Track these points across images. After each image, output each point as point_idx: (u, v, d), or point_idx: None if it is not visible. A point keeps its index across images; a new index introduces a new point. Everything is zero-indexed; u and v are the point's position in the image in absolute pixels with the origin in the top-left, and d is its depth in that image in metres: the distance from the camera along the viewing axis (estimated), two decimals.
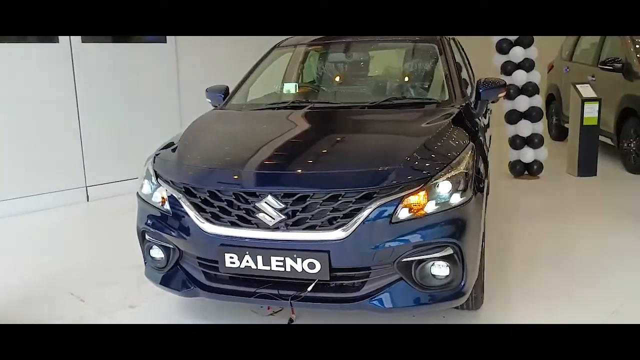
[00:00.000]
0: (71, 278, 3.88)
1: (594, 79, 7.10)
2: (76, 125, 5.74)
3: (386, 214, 2.58)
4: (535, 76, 6.18)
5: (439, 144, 2.89)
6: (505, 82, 3.70)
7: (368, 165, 2.72)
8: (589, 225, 4.73)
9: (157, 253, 3.07)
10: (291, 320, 3.11)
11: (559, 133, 8.37)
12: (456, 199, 2.67)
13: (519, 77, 6.12)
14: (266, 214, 2.67)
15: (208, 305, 3.34)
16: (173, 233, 2.90)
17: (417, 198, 2.62)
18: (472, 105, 3.60)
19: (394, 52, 4.18)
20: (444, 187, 2.66)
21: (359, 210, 2.58)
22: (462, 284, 2.72)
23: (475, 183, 2.81)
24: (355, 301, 2.69)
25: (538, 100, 6.24)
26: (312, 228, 2.64)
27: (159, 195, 3.00)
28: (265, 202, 2.67)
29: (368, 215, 2.57)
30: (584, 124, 6.20)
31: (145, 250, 3.13)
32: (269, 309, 3.29)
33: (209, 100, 4.08)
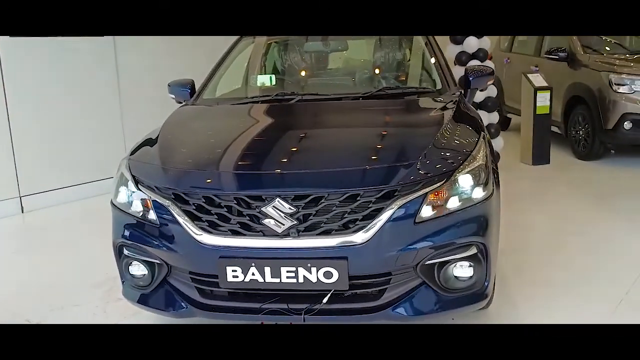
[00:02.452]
0: (22, 302, 3.40)
1: (537, 68, 7.21)
2: (6, 127, 5.10)
3: (409, 213, 2.35)
4: (490, 66, 6.14)
5: (455, 135, 2.70)
6: (493, 70, 3.58)
7: (385, 161, 2.49)
8: (562, 211, 4.73)
9: (138, 270, 2.69)
10: None
11: (502, 123, 8.47)
12: (479, 193, 2.49)
13: None
14: (274, 219, 2.37)
15: (191, 322, 2.98)
16: (159, 246, 2.53)
17: (440, 194, 2.41)
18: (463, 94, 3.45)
19: (381, 40, 3.93)
20: (465, 181, 2.47)
21: (380, 210, 2.34)
22: (486, 284, 2.55)
23: (493, 175, 2.64)
24: (377, 311, 2.45)
25: (493, 91, 6.23)
26: (327, 233, 2.37)
27: (139, 203, 2.62)
28: (273, 207, 2.37)
29: (390, 216, 2.33)
30: (537, 112, 6.27)
31: (124, 268, 2.73)
32: (262, 323, 2.98)
33: (172, 96, 3.68)
